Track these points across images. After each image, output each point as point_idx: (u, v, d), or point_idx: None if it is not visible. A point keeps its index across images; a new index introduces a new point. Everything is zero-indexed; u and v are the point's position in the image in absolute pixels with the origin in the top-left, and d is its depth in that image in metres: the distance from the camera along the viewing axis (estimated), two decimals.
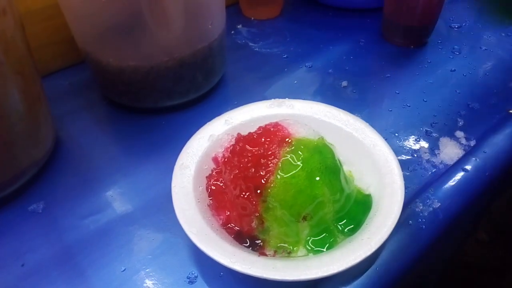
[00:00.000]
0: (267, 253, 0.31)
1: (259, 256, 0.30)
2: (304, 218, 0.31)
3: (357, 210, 0.32)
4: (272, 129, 0.34)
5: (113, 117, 0.49)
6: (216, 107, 0.49)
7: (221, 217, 0.33)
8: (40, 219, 0.38)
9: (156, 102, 0.47)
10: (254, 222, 0.31)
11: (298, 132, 0.33)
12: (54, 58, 0.53)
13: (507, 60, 0.54)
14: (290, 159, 0.31)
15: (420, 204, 0.36)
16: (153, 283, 0.33)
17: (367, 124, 0.38)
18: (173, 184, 0.34)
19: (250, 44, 0.54)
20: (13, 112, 0.36)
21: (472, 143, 0.42)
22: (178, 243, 0.35)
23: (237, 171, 0.32)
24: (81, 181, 0.41)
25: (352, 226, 0.32)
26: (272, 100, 0.41)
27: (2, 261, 0.35)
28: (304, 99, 0.49)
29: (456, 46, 0.57)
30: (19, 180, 0.39)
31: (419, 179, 0.39)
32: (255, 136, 0.34)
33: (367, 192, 0.34)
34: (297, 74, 0.54)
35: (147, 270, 0.34)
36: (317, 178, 0.31)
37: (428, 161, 0.41)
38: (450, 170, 0.38)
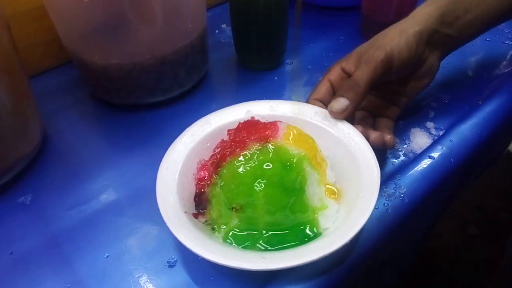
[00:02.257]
0: (200, 219, 0.34)
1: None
2: (235, 209, 0.33)
3: (289, 237, 0.33)
4: (268, 126, 0.36)
5: (99, 113, 0.50)
6: (199, 103, 0.51)
7: (200, 173, 0.36)
8: (29, 211, 0.40)
9: (139, 98, 0.49)
10: (206, 189, 0.35)
11: (289, 138, 0.35)
12: (43, 58, 0.55)
13: (479, 55, 0.56)
14: (250, 154, 0.33)
15: (387, 190, 0.38)
16: (135, 268, 0.35)
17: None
18: (183, 133, 0.38)
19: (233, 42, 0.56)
20: (0, 108, 0.38)
21: (441, 133, 0.44)
22: (159, 230, 0.37)
23: (224, 144, 0.36)
24: (68, 174, 0.43)
25: (276, 246, 0.32)
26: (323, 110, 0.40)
27: None
28: (283, 94, 0.52)
29: None
30: (8, 173, 0.41)
31: (390, 167, 0.41)
32: (251, 124, 0.36)
33: (318, 231, 0.33)
34: (278, 70, 0.56)
35: (130, 256, 0.35)
36: (261, 183, 0.32)
37: (399, 150, 0.43)
38: (418, 157, 0.40)
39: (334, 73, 0.41)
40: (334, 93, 0.41)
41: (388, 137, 0.38)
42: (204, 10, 0.50)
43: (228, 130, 0.37)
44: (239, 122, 0.37)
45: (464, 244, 1.25)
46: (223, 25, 0.64)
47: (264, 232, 0.33)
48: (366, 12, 0.58)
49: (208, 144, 0.38)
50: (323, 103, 0.40)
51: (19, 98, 0.40)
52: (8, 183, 0.41)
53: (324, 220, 0.33)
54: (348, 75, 0.41)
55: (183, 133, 0.38)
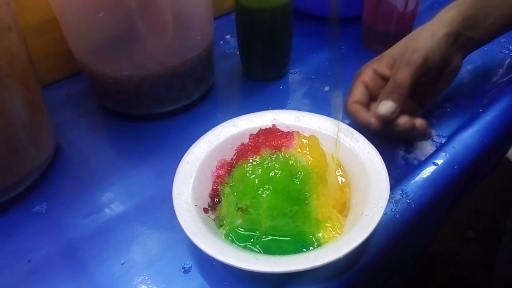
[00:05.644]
0: (210, 215, 0.36)
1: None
2: (241, 209, 0.34)
3: (288, 244, 0.34)
4: (285, 135, 0.37)
5: (109, 124, 0.52)
6: (206, 113, 0.52)
7: (219, 171, 0.39)
8: (44, 219, 0.40)
9: (149, 109, 0.50)
10: (220, 187, 0.37)
11: (302, 149, 0.36)
12: (53, 69, 0.56)
13: (477, 64, 0.58)
14: (261, 160, 0.35)
15: (394, 196, 0.39)
16: (151, 274, 0.35)
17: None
18: (209, 132, 0.41)
19: (238, 53, 0.57)
20: (17, 120, 0.39)
21: (444, 140, 0.45)
22: (173, 237, 0.38)
23: (242, 147, 0.38)
24: (81, 184, 0.44)
25: (274, 251, 0.33)
26: (347, 127, 0.41)
27: (10, 258, 0.37)
28: (288, 103, 0.53)
29: None
30: (23, 183, 0.42)
31: (395, 174, 0.42)
32: (270, 132, 0.38)
33: (318, 243, 0.34)
34: (282, 80, 0.57)
35: (145, 262, 0.36)
36: (266, 188, 0.34)
37: (403, 157, 0.44)
38: (422, 164, 0.42)
39: (367, 75, 0.42)
40: (369, 94, 0.42)
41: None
42: (212, 22, 0.52)
43: (250, 135, 0.39)
44: (260, 128, 0.38)
45: (461, 248, 1.27)
46: (227, 36, 0.66)
47: (264, 235, 0.34)
48: (367, 23, 0.60)
49: (231, 145, 0.40)
50: (361, 104, 0.41)
51: (35, 110, 0.41)
52: (23, 193, 0.42)
53: (326, 233, 0.34)
54: (381, 77, 0.42)
55: (209, 132, 0.41)
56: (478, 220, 1.36)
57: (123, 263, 0.36)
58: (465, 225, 1.32)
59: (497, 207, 1.37)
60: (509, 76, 0.55)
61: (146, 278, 0.35)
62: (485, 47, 0.60)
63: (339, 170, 0.39)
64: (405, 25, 0.58)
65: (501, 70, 0.57)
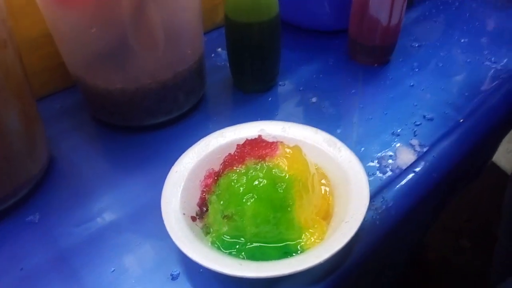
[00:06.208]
0: (198, 223, 0.38)
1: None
2: (226, 217, 0.36)
3: (272, 250, 0.35)
4: (269, 145, 0.38)
5: (102, 135, 0.53)
6: (197, 124, 0.54)
7: (206, 181, 0.39)
8: (37, 229, 0.42)
9: (141, 120, 0.51)
10: (207, 196, 0.38)
11: (285, 159, 0.37)
12: (48, 83, 0.58)
13: (460, 75, 0.60)
14: (245, 170, 0.36)
15: (375, 203, 0.40)
16: (139, 281, 0.37)
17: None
18: (198, 142, 0.42)
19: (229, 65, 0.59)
20: (12, 131, 0.40)
21: (425, 149, 0.47)
22: (162, 245, 0.39)
23: (229, 157, 0.39)
24: (74, 194, 0.45)
25: (258, 258, 0.35)
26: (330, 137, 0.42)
27: (3, 266, 0.38)
28: (276, 114, 0.55)
29: (415, 63, 0.62)
30: (17, 194, 0.43)
31: (377, 182, 0.43)
32: (256, 142, 0.39)
33: (301, 249, 0.35)
34: (272, 92, 0.59)
35: (134, 269, 0.38)
36: (250, 196, 0.35)
37: (386, 166, 0.45)
38: (403, 173, 0.43)
39: None
40: None
41: None
42: (202, 36, 0.53)
43: (237, 145, 0.40)
44: (247, 139, 0.40)
45: (455, 255, 1.27)
46: (219, 49, 0.68)
47: (249, 242, 0.35)
48: (353, 36, 0.62)
49: (219, 156, 0.41)
50: None
51: (29, 122, 0.42)
52: (17, 203, 0.43)
53: (309, 240, 0.35)
54: None
55: (198, 142, 0.42)
56: (472, 229, 1.37)
57: (113, 271, 0.37)
58: (459, 233, 1.33)
59: (489, 213, 1.39)
60: (491, 86, 0.57)
61: (135, 285, 0.36)
62: (468, 59, 0.62)
63: (323, 179, 0.40)
64: (390, 38, 0.59)
65: (483, 82, 0.59)
